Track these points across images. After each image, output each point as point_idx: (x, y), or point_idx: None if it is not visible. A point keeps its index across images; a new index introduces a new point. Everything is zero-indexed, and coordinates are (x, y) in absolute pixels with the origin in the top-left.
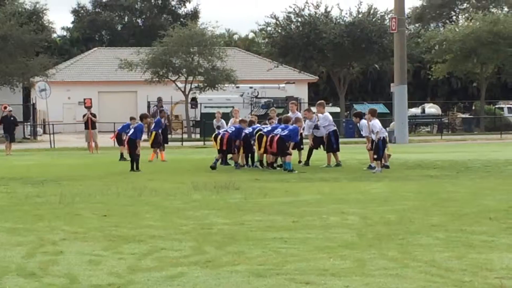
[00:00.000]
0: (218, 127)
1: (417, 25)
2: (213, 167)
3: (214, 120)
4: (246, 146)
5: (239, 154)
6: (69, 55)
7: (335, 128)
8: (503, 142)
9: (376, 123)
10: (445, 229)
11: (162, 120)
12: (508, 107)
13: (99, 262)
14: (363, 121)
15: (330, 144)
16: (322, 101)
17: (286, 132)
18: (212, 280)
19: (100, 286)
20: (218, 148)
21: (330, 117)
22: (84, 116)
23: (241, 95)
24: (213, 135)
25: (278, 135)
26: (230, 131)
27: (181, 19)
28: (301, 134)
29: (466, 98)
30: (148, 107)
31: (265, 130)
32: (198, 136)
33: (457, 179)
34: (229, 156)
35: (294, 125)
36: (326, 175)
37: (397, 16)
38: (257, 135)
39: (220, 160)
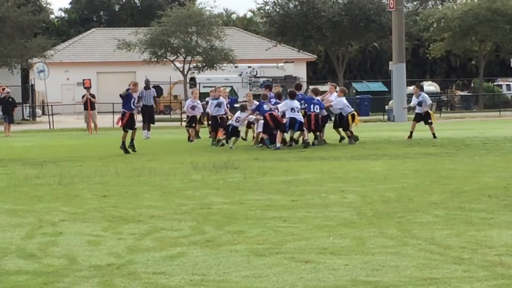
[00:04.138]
0: (193, 108)
1: (415, 3)
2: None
3: (189, 100)
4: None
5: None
6: (67, 36)
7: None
8: (501, 119)
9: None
10: (444, 207)
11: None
12: (506, 84)
13: (99, 243)
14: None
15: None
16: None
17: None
18: (211, 259)
19: (99, 266)
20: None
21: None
22: (83, 97)
23: (240, 75)
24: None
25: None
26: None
27: None
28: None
29: (465, 75)
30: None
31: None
32: None
33: (456, 157)
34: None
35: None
36: (325, 154)
37: None
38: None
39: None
